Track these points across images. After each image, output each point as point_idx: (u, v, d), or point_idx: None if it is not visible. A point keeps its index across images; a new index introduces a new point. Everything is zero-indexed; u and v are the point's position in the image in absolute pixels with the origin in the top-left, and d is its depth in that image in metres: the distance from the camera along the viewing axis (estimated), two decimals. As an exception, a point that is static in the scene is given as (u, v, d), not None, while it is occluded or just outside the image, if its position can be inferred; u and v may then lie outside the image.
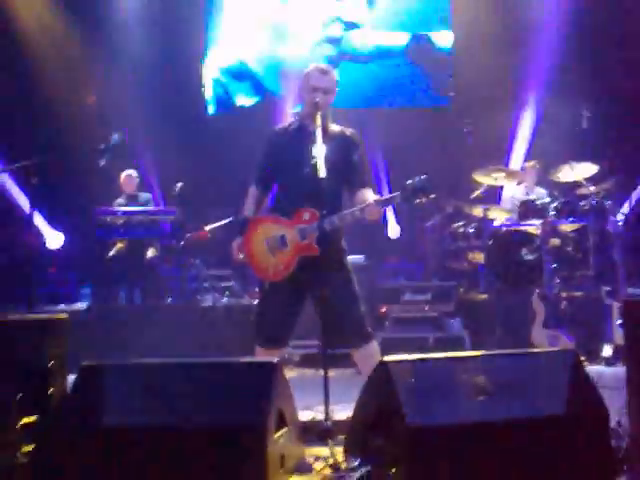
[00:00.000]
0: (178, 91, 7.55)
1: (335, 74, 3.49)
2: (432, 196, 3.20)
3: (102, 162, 3.47)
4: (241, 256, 3.46)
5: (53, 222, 7.46)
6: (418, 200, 3.19)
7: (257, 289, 3.61)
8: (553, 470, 2.35)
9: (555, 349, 3.58)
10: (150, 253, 6.24)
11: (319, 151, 3.13)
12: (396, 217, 7.53)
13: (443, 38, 8.43)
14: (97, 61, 7.49)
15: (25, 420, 2.43)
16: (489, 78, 7.12)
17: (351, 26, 9.29)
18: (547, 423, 2.39)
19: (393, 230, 7.49)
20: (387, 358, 2.54)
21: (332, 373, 3.11)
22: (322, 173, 3.08)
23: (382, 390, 2.51)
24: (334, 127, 3.48)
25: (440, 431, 2.33)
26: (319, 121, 3.25)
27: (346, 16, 9.37)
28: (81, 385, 2.54)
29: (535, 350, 3.88)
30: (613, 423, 2.64)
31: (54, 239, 7.39)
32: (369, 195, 3.38)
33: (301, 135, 3.42)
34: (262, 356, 3.37)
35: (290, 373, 3.13)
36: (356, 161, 3.43)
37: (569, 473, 2.34)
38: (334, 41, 9.23)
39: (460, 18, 8.00)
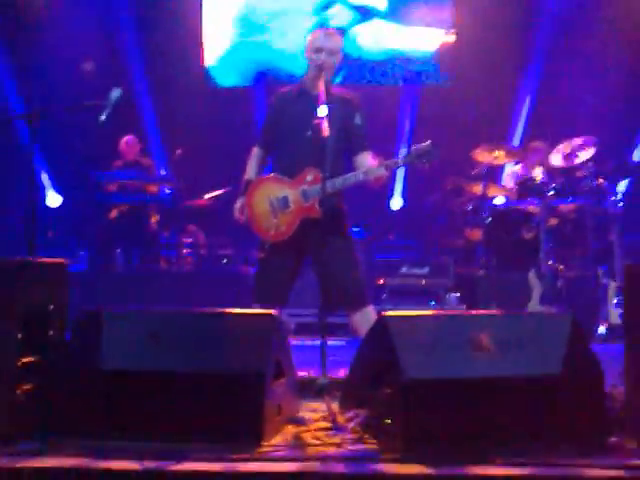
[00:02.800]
0: (184, 58, 7.48)
1: (340, 37, 3.49)
2: (435, 159, 3.23)
3: (102, 117, 3.43)
4: (243, 217, 3.47)
5: (52, 181, 7.46)
6: (421, 163, 3.21)
7: (258, 249, 3.63)
8: (547, 427, 2.38)
9: (553, 313, 3.60)
10: (153, 219, 6.24)
11: (323, 112, 3.13)
12: (403, 191, 7.50)
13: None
14: (98, 23, 7.41)
15: (24, 360, 2.43)
16: (492, 58, 7.09)
17: (363, 13, 7.69)
18: (543, 381, 2.42)
19: (397, 202, 7.50)
20: (386, 313, 2.57)
21: (328, 342, 3.12)
22: (326, 132, 3.09)
23: (380, 344, 2.53)
24: (336, 90, 3.48)
25: (436, 385, 2.35)
26: (323, 82, 3.25)
27: None
28: (81, 329, 2.56)
29: (533, 312, 3.91)
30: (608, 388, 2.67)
31: (53, 198, 7.38)
32: (369, 158, 3.40)
33: (305, 97, 3.42)
34: None
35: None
36: (357, 124, 3.44)
37: (563, 430, 2.37)
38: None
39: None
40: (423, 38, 7.54)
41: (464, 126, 6.78)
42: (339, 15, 7.56)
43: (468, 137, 6.40)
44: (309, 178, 3.29)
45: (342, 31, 7.39)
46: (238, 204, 3.50)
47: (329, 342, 3.18)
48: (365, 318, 3.33)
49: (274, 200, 3.35)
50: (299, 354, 3.62)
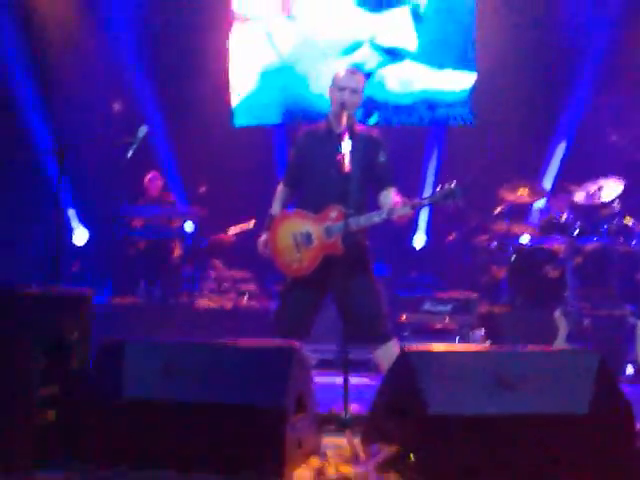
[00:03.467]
0: (205, 98, 7.62)
1: (363, 77, 3.55)
2: (459, 202, 3.23)
3: (129, 154, 3.51)
4: (266, 251, 3.49)
5: (79, 218, 7.57)
6: (446, 203, 3.22)
7: (280, 285, 3.64)
8: (574, 468, 2.31)
9: (580, 350, 3.53)
10: (176, 253, 6.29)
11: (345, 148, 3.16)
12: (427, 228, 7.46)
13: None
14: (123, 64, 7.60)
15: (46, 389, 2.43)
16: (516, 97, 7.12)
17: (393, 55, 7.40)
18: (569, 420, 2.35)
19: (420, 239, 7.46)
20: (409, 348, 2.54)
21: (350, 378, 3.09)
22: (347, 168, 3.11)
23: (403, 379, 2.50)
24: (360, 127, 3.52)
25: (459, 421, 2.31)
26: (345, 119, 3.29)
27: (383, 38, 7.33)
28: (103, 359, 2.57)
29: (560, 349, 3.83)
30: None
31: (80, 235, 7.47)
32: (394, 195, 3.41)
33: (329, 135, 3.47)
34: None
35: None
36: (382, 161, 3.47)
37: (591, 472, 2.30)
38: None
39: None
40: (452, 79, 7.44)
41: (490, 166, 6.78)
42: (367, 58, 7.45)
43: (495, 176, 6.39)
44: (333, 215, 3.31)
45: (369, 74, 7.49)
46: (262, 238, 3.53)
47: (352, 379, 3.15)
48: (388, 353, 3.29)
49: (298, 235, 3.37)
50: (321, 390, 3.60)
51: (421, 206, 3.36)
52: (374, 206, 3.45)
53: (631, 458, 2.34)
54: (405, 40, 7.32)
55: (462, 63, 7.45)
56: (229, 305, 6.13)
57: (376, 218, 3.29)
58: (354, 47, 7.50)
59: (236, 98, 7.88)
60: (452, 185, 3.22)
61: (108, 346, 2.57)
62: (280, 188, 3.66)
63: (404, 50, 7.39)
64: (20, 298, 2.45)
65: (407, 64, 7.43)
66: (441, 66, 7.40)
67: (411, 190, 3.55)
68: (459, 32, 7.44)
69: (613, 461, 2.32)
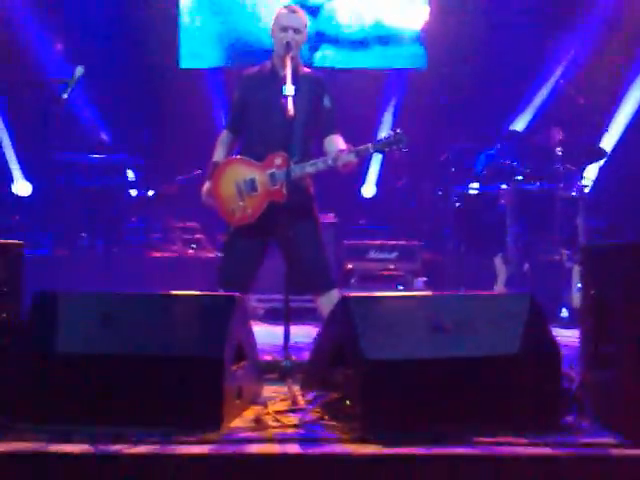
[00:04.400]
0: (150, 39, 7.34)
1: (305, 15, 3.46)
2: (404, 149, 3.23)
3: (65, 95, 3.37)
4: (210, 200, 3.43)
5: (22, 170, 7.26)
6: (392, 151, 3.22)
7: (223, 234, 3.60)
8: (505, 406, 2.40)
9: (511, 293, 3.64)
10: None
11: (289, 91, 3.09)
12: (377, 179, 7.45)
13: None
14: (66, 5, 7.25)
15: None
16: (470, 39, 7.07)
17: None
18: (501, 361, 2.43)
19: (369, 189, 7.45)
20: (347, 294, 2.56)
21: (295, 328, 3.11)
22: (291, 112, 3.05)
23: (341, 325, 2.53)
24: (304, 70, 3.44)
25: (396, 365, 2.36)
26: (289, 61, 3.21)
27: None
28: (35, 311, 2.51)
29: (492, 293, 3.94)
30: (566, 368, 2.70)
31: (22, 186, 7.17)
32: (339, 141, 3.38)
33: (272, 77, 3.38)
34: None
35: (254, 327, 3.20)
36: (327, 105, 3.42)
37: (520, 409, 2.39)
38: (309, 11, 7.27)
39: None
40: (404, 12, 7.32)
41: (441, 112, 6.77)
42: None
43: (445, 123, 6.41)
44: (277, 161, 3.26)
45: (317, 7, 7.34)
46: (205, 187, 3.46)
47: (298, 327, 3.17)
48: (331, 301, 3.31)
49: (241, 183, 3.31)
50: (267, 339, 3.62)
51: (367, 153, 3.31)
52: (319, 152, 3.41)
53: (556, 397, 2.44)
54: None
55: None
56: (175, 255, 6.08)
57: (321, 165, 3.26)
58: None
59: (182, 40, 7.63)
60: (397, 132, 3.21)
61: (41, 297, 2.51)
62: (223, 134, 3.57)
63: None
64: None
65: None
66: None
67: (366, 135, 3.51)
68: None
69: (540, 400, 2.41)
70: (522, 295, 2.63)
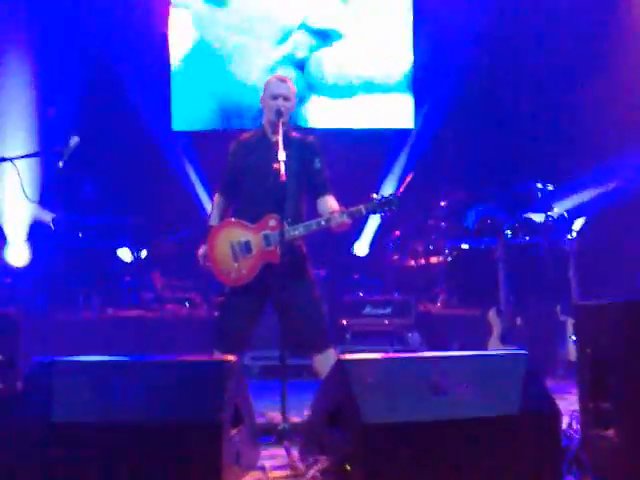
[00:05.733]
0: (142, 103, 7.49)
1: (292, 84, 3.58)
2: (396, 210, 3.30)
3: (61, 164, 3.43)
4: (208, 264, 3.47)
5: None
6: (384, 212, 3.29)
7: (219, 295, 3.63)
8: (506, 467, 2.38)
9: (508, 352, 3.64)
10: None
11: (281, 156, 3.18)
12: (373, 238, 7.44)
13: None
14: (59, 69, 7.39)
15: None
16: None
17: (323, 37, 7.39)
18: (500, 422, 2.43)
19: (362, 248, 7.43)
20: (343, 357, 2.57)
21: (291, 385, 3.11)
22: (284, 176, 3.13)
23: (338, 388, 2.52)
24: (294, 134, 3.54)
25: (394, 429, 2.35)
26: (281, 127, 3.31)
27: (315, 19, 7.26)
28: (31, 380, 2.50)
29: (489, 353, 3.94)
30: (565, 425, 2.70)
31: (18, 254, 6.90)
32: (331, 202, 3.45)
33: (264, 143, 3.48)
34: None
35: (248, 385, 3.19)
36: (317, 168, 3.50)
37: (521, 470, 2.38)
38: (296, 66, 7.48)
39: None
40: (389, 61, 7.53)
41: (429, 168, 6.89)
42: (300, 43, 7.49)
43: (433, 178, 6.53)
44: (271, 223, 3.33)
45: (302, 62, 7.52)
46: (201, 250, 3.51)
47: (296, 382, 3.16)
48: (327, 361, 3.31)
49: (236, 244, 3.37)
50: (264, 396, 3.60)
51: (360, 214, 3.36)
52: (312, 213, 3.47)
53: (557, 457, 2.43)
54: (336, 21, 7.40)
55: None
56: (169, 315, 6.06)
57: (314, 226, 3.33)
58: (286, 35, 7.50)
59: (174, 102, 7.77)
60: (390, 195, 3.30)
61: (37, 366, 2.51)
62: (216, 198, 3.66)
63: (334, 31, 7.44)
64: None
65: (341, 47, 7.48)
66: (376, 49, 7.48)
67: (360, 193, 3.57)
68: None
69: (541, 461, 2.40)
70: (518, 354, 2.65)
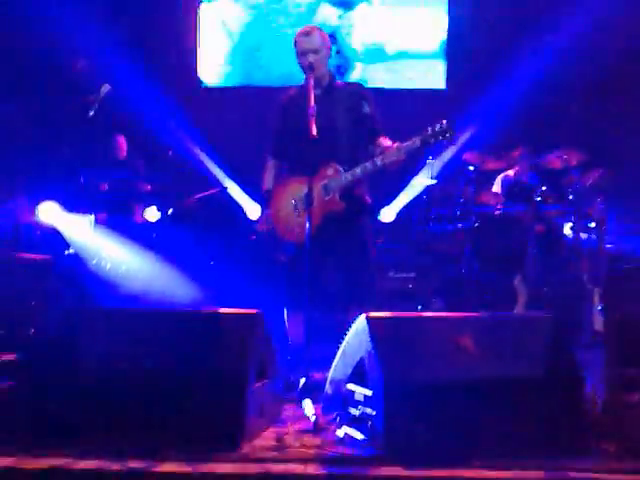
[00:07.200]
0: (172, 58, 7.44)
1: (320, 32, 3.51)
2: (452, 142, 3.23)
3: (91, 113, 3.43)
4: (268, 227, 3.52)
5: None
6: (439, 142, 3.20)
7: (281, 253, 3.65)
8: (528, 429, 2.38)
9: (535, 314, 3.61)
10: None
11: (326, 106, 3.19)
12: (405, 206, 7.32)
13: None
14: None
15: (4, 357, 2.41)
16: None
17: (346, 5, 7.54)
18: (524, 383, 2.42)
19: (389, 215, 7.31)
20: (369, 314, 2.57)
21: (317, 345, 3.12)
22: (313, 131, 3.09)
23: (362, 345, 2.53)
24: (339, 83, 3.55)
25: (417, 387, 2.35)
26: (319, 79, 3.32)
27: None
28: (62, 327, 2.54)
29: (515, 314, 3.92)
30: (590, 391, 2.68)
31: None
32: (386, 142, 3.43)
33: (305, 98, 3.41)
34: (292, 320, 3.43)
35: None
36: (366, 112, 3.48)
37: (543, 432, 2.38)
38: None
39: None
40: (422, 29, 7.48)
41: (458, 132, 6.77)
42: (326, 15, 7.57)
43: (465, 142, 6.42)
44: (329, 172, 3.33)
45: (332, 33, 7.42)
46: (261, 216, 3.58)
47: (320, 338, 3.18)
48: (356, 320, 3.31)
49: (297, 200, 3.40)
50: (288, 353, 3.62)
51: (414, 147, 3.25)
52: (368, 158, 3.41)
53: (579, 421, 2.42)
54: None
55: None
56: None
57: (369, 167, 3.30)
58: (313, 8, 7.53)
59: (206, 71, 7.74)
60: (444, 123, 3.18)
61: (68, 313, 2.55)
62: (269, 163, 3.66)
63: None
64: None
65: (366, 10, 7.49)
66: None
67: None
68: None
69: (563, 424, 2.39)
70: (544, 317, 2.62)
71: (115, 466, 2.15)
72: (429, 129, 3.20)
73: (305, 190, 3.29)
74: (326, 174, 3.34)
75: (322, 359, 3.06)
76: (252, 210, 6.71)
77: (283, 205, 3.46)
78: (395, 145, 3.28)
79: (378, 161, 3.28)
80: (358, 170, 3.30)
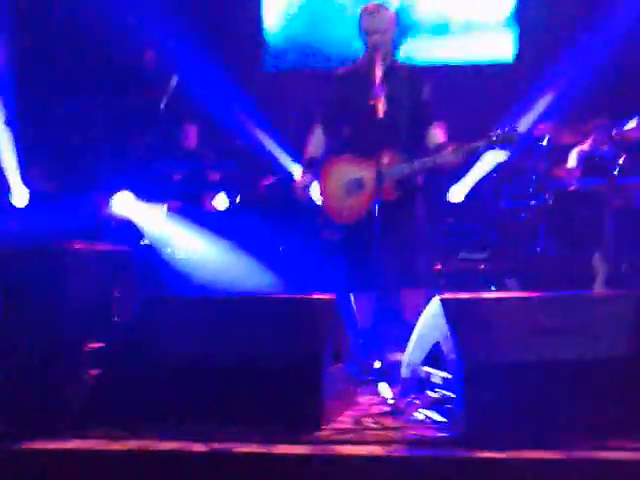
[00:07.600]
0: (235, 44, 7.49)
1: (387, 11, 3.43)
2: (514, 148, 3.17)
3: (162, 105, 3.50)
4: (306, 196, 3.47)
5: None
6: (502, 148, 3.16)
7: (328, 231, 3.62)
8: (614, 411, 2.30)
9: (619, 293, 3.47)
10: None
11: (387, 89, 3.11)
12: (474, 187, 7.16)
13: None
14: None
15: (91, 346, 2.51)
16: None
17: None
18: (611, 363, 2.34)
19: (459, 194, 7.14)
20: (443, 296, 2.53)
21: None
22: (381, 113, 3.05)
23: (438, 327, 2.50)
24: (401, 64, 3.46)
25: (497, 369, 2.31)
26: (382, 61, 3.22)
27: None
28: (143, 316, 2.63)
29: (598, 293, 3.79)
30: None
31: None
32: (439, 135, 3.37)
33: (368, 76, 3.36)
34: (358, 303, 3.40)
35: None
36: (424, 98, 3.42)
37: (631, 413, 2.29)
38: None
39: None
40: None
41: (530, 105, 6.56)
42: None
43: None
44: (385, 160, 3.24)
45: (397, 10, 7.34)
46: (303, 183, 3.49)
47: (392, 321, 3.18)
48: (415, 300, 3.28)
49: (349, 181, 3.35)
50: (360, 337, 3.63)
51: (475, 151, 3.25)
52: (422, 145, 3.40)
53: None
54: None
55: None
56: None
57: (429, 163, 3.26)
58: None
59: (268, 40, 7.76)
60: (508, 129, 3.13)
61: (149, 301, 2.63)
62: (317, 131, 3.58)
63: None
64: (65, 254, 2.49)
65: None
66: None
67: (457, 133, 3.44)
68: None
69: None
70: (630, 295, 2.52)
71: (200, 448, 2.20)
72: (493, 134, 3.14)
73: (357, 174, 3.26)
74: (384, 160, 3.23)
75: (388, 340, 3.07)
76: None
77: (334, 183, 3.39)
78: (455, 146, 3.20)
79: (438, 159, 3.23)
80: (416, 164, 3.24)
